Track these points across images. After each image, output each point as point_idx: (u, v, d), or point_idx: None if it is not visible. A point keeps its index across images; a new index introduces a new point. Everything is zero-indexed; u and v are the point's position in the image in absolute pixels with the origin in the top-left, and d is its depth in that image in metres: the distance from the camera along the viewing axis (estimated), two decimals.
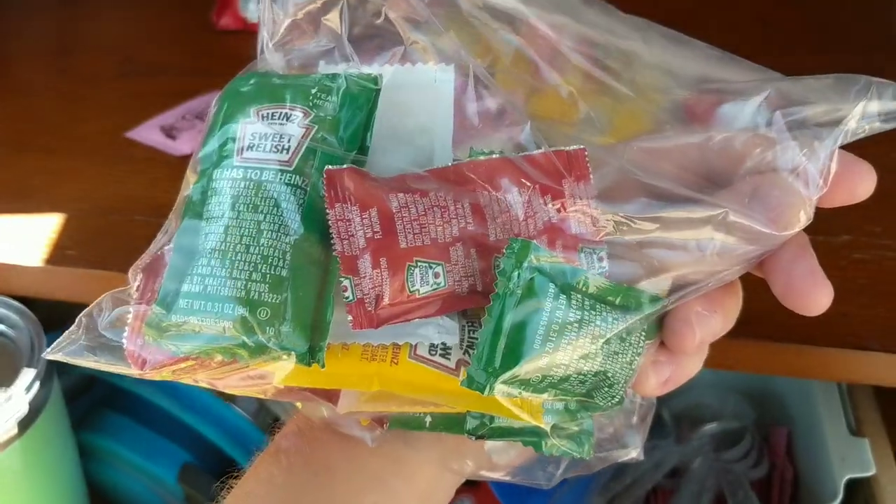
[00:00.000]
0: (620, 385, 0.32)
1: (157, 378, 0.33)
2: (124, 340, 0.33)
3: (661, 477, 0.81)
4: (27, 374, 0.64)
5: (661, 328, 0.34)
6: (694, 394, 0.87)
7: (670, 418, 0.84)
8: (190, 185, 0.33)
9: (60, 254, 0.63)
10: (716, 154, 0.32)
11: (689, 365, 0.35)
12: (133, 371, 0.32)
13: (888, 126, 0.31)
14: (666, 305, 0.32)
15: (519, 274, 0.30)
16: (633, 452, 0.39)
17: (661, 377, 0.35)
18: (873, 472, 0.72)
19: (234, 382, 0.33)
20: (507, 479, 0.37)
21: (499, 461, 0.37)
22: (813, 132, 0.31)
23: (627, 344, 0.32)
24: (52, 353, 0.34)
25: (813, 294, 0.31)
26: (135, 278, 0.34)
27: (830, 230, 0.66)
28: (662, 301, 0.32)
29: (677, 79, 0.34)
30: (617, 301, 0.31)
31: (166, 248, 0.33)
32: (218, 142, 0.33)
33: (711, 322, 0.33)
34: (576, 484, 0.79)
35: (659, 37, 0.34)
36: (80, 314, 0.34)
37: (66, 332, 0.34)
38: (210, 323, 0.30)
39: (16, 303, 0.69)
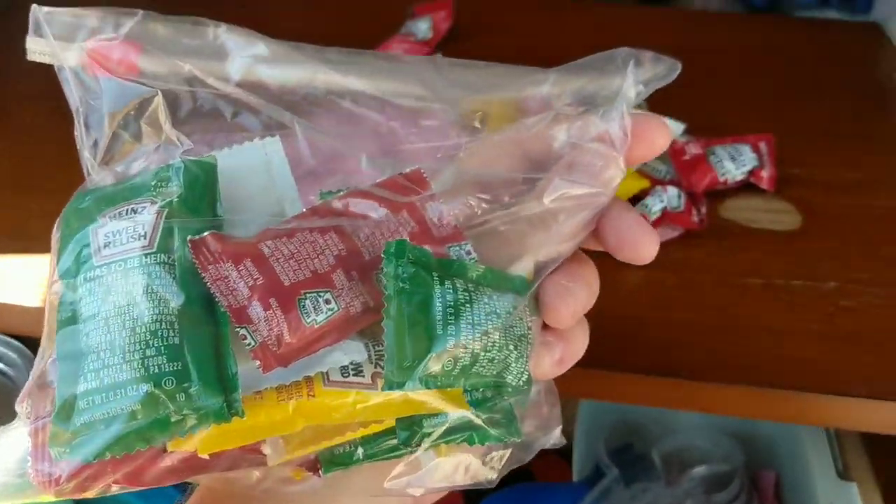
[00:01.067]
0: (524, 360, 0.34)
1: (78, 496, 0.31)
2: (29, 469, 0.31)
3: None
4: None
5: (538, 309, 0.36)
6: (684, 436, 0.88)
7: (660, 461, 0.85)
8: (56, 305, 0.33)
9: None
10: (530, 141, 0.36)
11: (575, 340, 0.38)
12: (48, 496, 0.31)
13: (655, 87, 0.36)
14: (535, 283, 0.35)
15: (403, 270, 0.31)
16: (554, 438, 0.40)
17: (554, 356, 0.37)
18: None
19: (159, 474, 0.32)
20: (450, 488, 0.37)
21: (432, 478, 0.37)
22: (602, 102, 0.35)
23: (517, 318, 0.34)
24: None
25: (641, 242, 0.35)
26: (22, 406, 0.33)
27: (818, 277, 0.67)
28: (530, 281, 0.35)
29: (474, 89, 0.38)
30: (494, 284, 0.33)
31: (49, 363, 0.33)
32: (72, 255, 0.33)
33: (577, 292, 0.36)
34: None
35: (448, 65, 0.38)
36: None
37: None
38: (117, 412, 0.29)
39: (15, 342, 0.69)
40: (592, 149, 0.35)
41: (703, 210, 0.71)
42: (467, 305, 0.32)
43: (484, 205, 0.35)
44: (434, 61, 0.38)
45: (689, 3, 1.26)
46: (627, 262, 0.35)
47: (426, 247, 0.33)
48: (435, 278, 0.32)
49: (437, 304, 0.31)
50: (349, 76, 0.37)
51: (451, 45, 1.00)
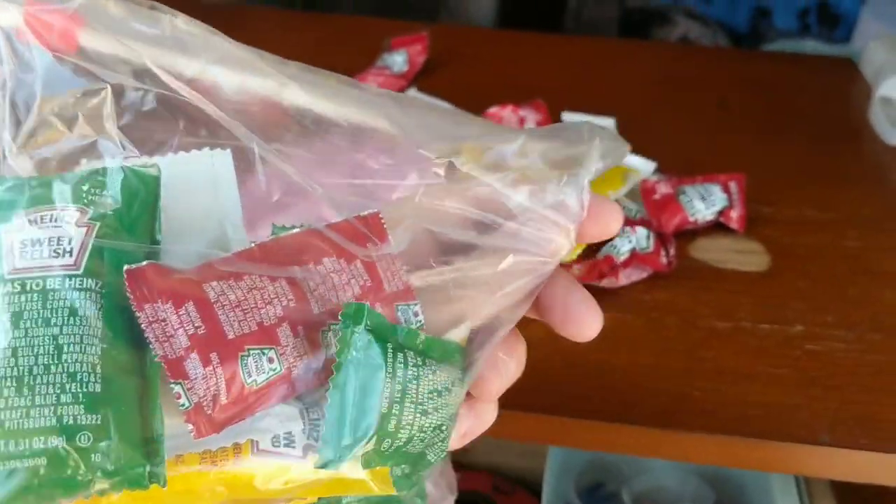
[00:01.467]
0: (447, 438, 0.32)
1: None
2: None
3: None
4: None
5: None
6: (654, 476, 0.87)
7: (631, 500, 0.84)
8: None
9: None
10: (487, 197, 0.35)
11: (486, 415, 0.37)
12: None
13: (613, 163, 0.35)
14: (475, 354, 0.33)
15: (358, 338, 0.29)
16: (451, 499, 0.40)
17: (462, 429, 0.36)
18: None
19: None
20: None
21: None
22: (562, 171, 0.35)
23: (452, 394, 0.32)
24: None
25: (586, 320, 0.35)
26: None
27: (785, 319, 0.67)
28: (466, 351, 0.33)
29: (441, 135, 0.37)
30: (437, 354, 0.31)
31: None
32: None
33: (510, 367, 0.35)
34: None
35: (414, 106, 0.37)
36: None
37: None
38: (16, 465, 0.25)
39: None
40: (546, 216, 0.34)
41: (672, 251, 0.70)
42: (413, 382, 0.30)
43: (433, 263, 0.34)
44: (399, 99, 0.37)
45: (669, 34, 1.27)
46: (569, 338, 0.35)
47: (376, 306, 0.31)
48: (389, 349, 0.30)
49: (387, 380, 0.29)
50: (313, 97, 0.35)
51: (426, 78, 1.00)
